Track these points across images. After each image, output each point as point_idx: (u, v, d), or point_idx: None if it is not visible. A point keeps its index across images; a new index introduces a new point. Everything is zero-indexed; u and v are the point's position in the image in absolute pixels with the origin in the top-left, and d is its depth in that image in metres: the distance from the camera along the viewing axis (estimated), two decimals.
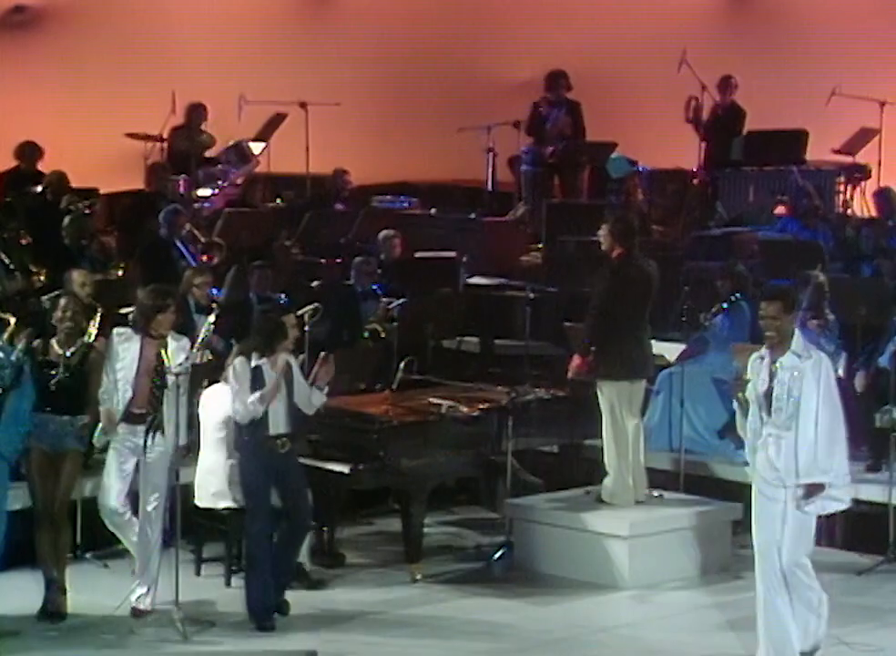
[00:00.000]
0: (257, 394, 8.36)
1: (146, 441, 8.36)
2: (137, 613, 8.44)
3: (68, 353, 8.41)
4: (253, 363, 8.45)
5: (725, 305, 10.61)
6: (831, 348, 10.30)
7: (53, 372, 8.34)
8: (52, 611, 8.39)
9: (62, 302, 8.54)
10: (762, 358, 7.62)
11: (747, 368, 7.64)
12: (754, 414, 7.62)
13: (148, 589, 8.47)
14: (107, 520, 8.58)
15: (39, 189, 12.71)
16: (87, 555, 9.32)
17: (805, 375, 7.46)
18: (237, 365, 8.46)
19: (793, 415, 7.45)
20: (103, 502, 8.55)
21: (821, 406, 7.46)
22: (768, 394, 7.52)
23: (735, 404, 7.80)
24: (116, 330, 8.57)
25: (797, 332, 7.64)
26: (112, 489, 8.48)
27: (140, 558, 8.52)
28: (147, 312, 8.49)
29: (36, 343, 8.40)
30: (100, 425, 8.54)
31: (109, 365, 8.41)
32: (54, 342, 8.44)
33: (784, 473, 7.49)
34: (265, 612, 8.39)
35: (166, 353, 8.39)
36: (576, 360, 9.34)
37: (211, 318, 9.43)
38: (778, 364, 7.51)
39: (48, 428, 8.36)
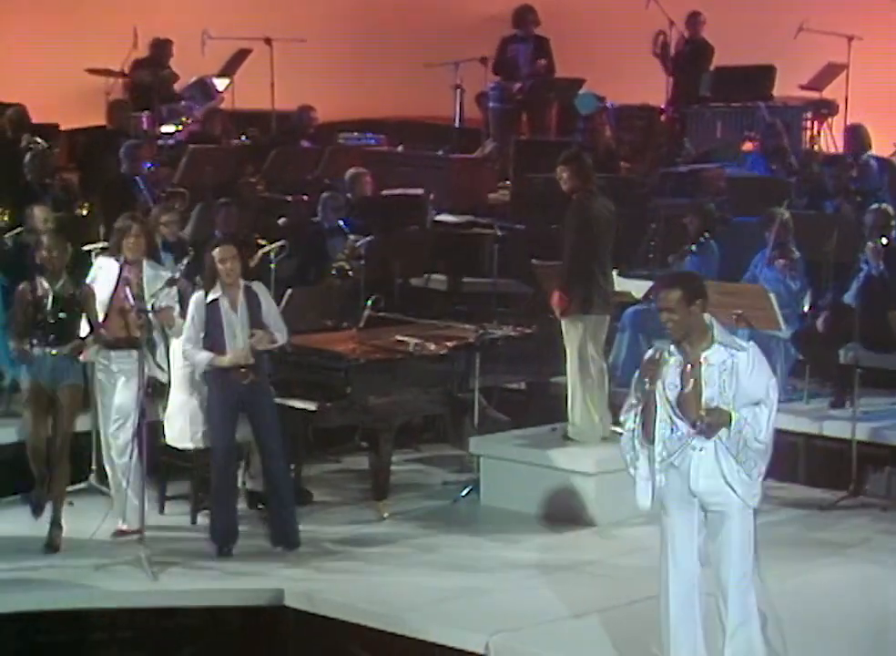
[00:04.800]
0: (217, 358, 8.34)
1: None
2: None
3: (57, 286, 8.46)
4: (210, 298, 8.44)
5: (693, 248, 10.65)
6: (797, 286, 10.37)
7: (45, 307, 8.41)
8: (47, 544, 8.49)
9: (45, 240, 8.62)
10: (666, 354, 6.40)
11: (667, 350, 6.42)
12: (662, 422, 6.38)
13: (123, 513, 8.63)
14: None
15: None
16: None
17: (739, 370, 6.32)
18: (191, 301, 8.49)
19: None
20: None
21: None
22: (686, 401, 6.33)
23: (634, 405, 6.42)
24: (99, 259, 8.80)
25: (714, 322, 6.44)
26: None
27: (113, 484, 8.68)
28: (114, 238, 8.75)
29: (24, 284, 8.51)
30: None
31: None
32: (42, 280, 8.49)
33: (707, 494, 6.42)
34: (223, 539, 8.45)
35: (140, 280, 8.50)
36: (556, 295, 9.26)
37: (185, 261, 9.43)
38: (702, 362, 6.33)
39: (46, 364, 8.41)
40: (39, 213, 10.02)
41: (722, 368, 6.34)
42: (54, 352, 8.40)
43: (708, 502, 6.46)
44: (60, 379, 8.45)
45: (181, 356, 8.75)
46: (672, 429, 6.40)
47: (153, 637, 8.07)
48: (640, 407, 6.43)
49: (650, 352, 6.55)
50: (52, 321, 8.41)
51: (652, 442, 6.43)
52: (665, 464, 6.43)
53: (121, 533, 8.57)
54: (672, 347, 6.43)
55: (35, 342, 8.40)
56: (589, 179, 9.33)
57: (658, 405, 6.38)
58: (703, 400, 6.33)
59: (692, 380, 6.34)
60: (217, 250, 8.46)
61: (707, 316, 6.43)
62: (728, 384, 6.33)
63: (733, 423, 6.32)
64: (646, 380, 6.37)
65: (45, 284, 8.48)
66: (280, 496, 8.54)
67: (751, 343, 6.52)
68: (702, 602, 6.59)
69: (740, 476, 6.39)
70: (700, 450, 6.39)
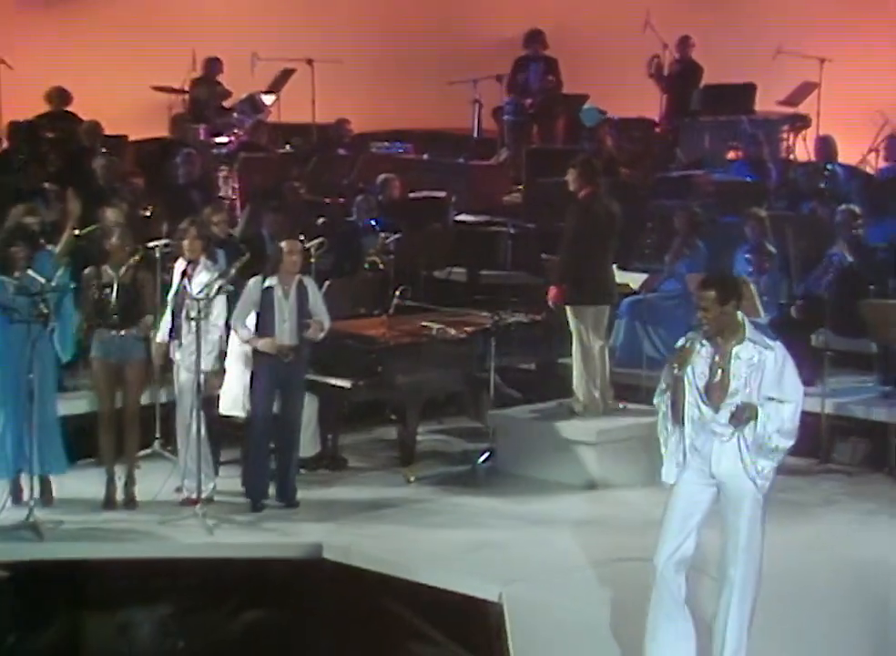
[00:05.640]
0: (256, 339, 8.48)
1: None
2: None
3: (120, 273, 8.55)
4: (266, 284, 8.53)
5: (686, 252, 10.67)
6: (772, 280, 10.38)
7: (108, 291, 8.50)
8: (111, 503, 8.59)
9: (117, 230, 8.73)
10: (698, 345, 6.30)
11: (699, 341, 6.28)
12: (690, 406, 6.25)
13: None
14: None
15: (73, 133, 12.67)
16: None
17: (765, 367, 6.21)
18: (248, 284, 8.61)
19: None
20: None
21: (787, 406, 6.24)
22: (712, 389, 6.23)
23: (664, 390, 6.31)
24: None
25: (745, 320, 6.36)
26: None
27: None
28: (177, 240, 8.92)
29: (90, 269, 8.60)
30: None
31: None
32: (106, 266, 8.58)
33: (725, 476, 6.28)
34: (256, 498, 8.60)
35: (190, 276, 8.62)
36: (552, 290, 9.39)
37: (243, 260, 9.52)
38: (732, 354, 6.22)
39: (115, 342, 8.51)
40: (111, 214, 10.09)
41: (749, 363, 6.20)
42: (122, 332, 8.47)
43: (726, 484, 6.32)
44: (128, 356, 8.55)
45: (238, 336, 8.85)
46: (698, 414, 6.27)
47: (208, 583, 8.14)
48: (669, 391, 6.31)
49: (682, 341, 6.41)
50: (115, 303, 8.48)
51: (682, 423, 6.30)
52: (690, 444, 6.30)
53: (187, 501, 8.60)
54: (704, 339, 6.30)
55: (101, 322, 8.49)
56: (594, 182, 9.35)
57: (687, 391, 6.25)
58: (728, 391, 6.20)
59: (720, 370, 6.22)
60: (285, 243, 8.62)
61: (740, 314, 6.32)
62: (752, 379, 6.20)
63: (759, 417, 6.21)
64: (675, 365, 6.26)
65: (110, 271, 8.56)
66: (287, 461, 8.63)
67: (778, 343, 6.34)
68: (685, 572, 6.39)
69: (757, 467, 6.27)
70: (723, 438, 6.25)
